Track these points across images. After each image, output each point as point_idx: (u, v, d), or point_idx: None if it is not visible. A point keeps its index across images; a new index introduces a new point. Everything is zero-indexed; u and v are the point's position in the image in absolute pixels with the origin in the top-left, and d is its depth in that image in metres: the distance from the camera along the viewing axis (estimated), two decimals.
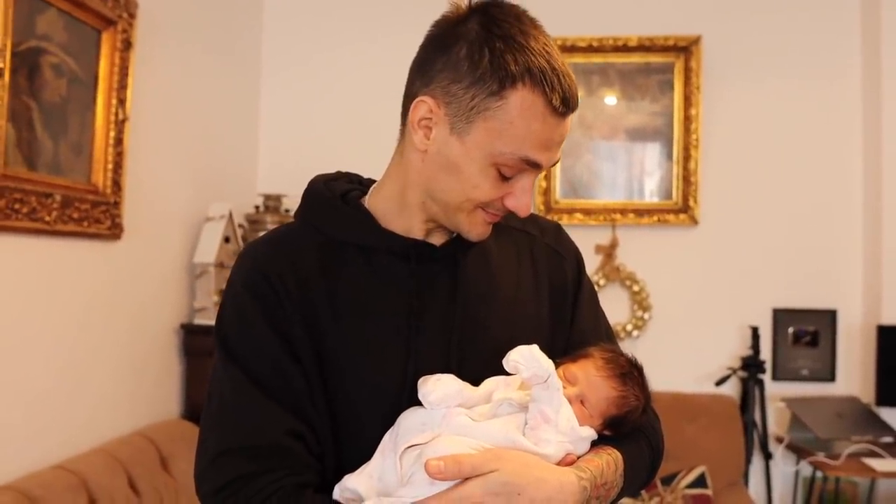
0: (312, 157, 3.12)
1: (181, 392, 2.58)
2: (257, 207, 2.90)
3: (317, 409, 0.89)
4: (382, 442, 0.87)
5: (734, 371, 2.87)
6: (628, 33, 3.02)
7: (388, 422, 0.88)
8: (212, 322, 2.57)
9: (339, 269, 0.93)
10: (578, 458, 0.88)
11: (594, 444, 0.91)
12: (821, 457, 2.60)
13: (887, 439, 2.71)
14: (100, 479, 1.88)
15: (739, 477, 2.79)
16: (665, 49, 3.02)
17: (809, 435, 2.72)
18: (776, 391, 2.94)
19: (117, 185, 2.15)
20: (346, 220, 0.95)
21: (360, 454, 0.87)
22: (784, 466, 2.92)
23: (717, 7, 3.04)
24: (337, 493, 0.86)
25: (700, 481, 2.69)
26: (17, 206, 1.78)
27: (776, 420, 2.95)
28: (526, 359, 0.84)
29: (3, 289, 1.79)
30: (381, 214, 0.95)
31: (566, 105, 0.87)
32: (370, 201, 0.97)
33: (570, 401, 0.89)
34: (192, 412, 2.55)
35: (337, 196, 0.97)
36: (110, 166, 2.12)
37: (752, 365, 2.84)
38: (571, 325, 1.03)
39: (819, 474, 2.73)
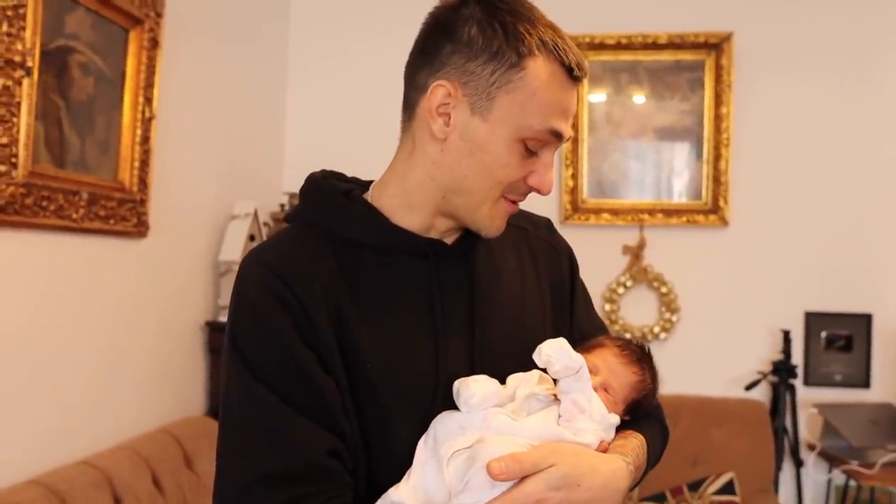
0: (339, 155, 3.10)
1: (206, 389, 2.59)
2: (282, 206, 2.90)
3: (349, 421, 0.84)
4: (418, 451, 0.84)
5: (764, 375, 2.81)
6: (658, 30, 2.97)
7: (422, 427, 0.85)
8: None
9: (358, 271, 0.89)
10: (609, 444, 0.89)
11: (617, 430, 0.93)
12: (854, 465, 2.53)
13: None
14: (124, 475, 1.89)
15: (769, 484, 2.72)
16: (695, 46, 2.96)
17: (842, 442, 2.65)
18: (808, 397, 2.87)
19: (143, 183, 2.16)
20: (357, 219, 0.91)
21: (393, 464, 0.84)
22: (816, 474, 2.85)
23: (748, 3, 2.97)
24: None
25: (728, 488, 2.63)
26: (44, 203, 1.80)
27: (808, 426, 2.88)
28: (557, 352, 0.84)
29: (31, 286, 1.81)
30: (389, 213, 0.92)
31: (581, 70, 0.88)
32: (375, 200, 0.93)
33: (595, 390, 0.90)
34: (216, 410, 2.55)
35: (342, 194, 0.93)
36: (137, 164, 2.13)
37: (783, 369, 2.78)
38: (571, 319, 1.04)
39: (853, 483, 2.66)
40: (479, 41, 0.85)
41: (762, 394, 2.88)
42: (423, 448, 0.84)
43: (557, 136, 0.87)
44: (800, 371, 2.85)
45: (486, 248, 0.97)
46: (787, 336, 2.80)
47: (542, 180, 0.89)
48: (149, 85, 2.16)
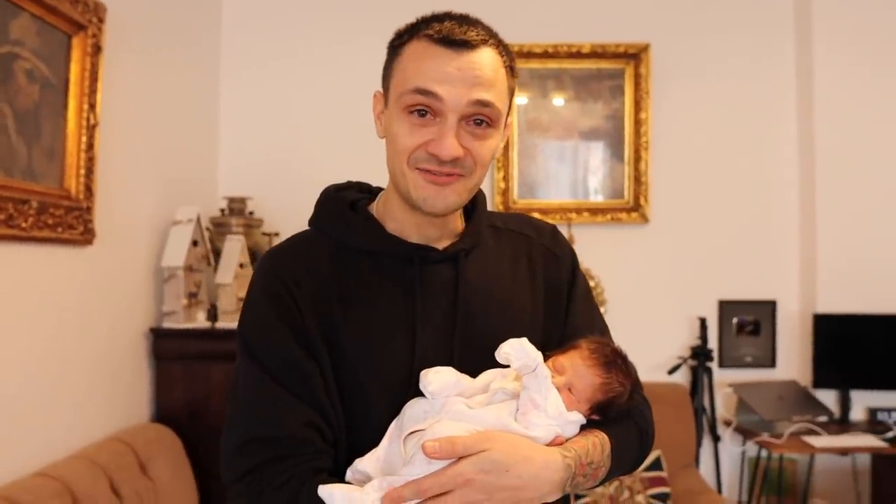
0: (274, 159, 3.14)
1: (151, 396, 2.57)
2: (223, 210, 2.90)
3: (331, 401, 0.96)
4: (389, 429, 0.95)
5: (684, 360, 3.04)
6: (581, 41, 3.16)
7: (395, 411, 0.96)
8: (180, 326, 2.59)
9: (350, 273, 1.01)
10: (567, 440, 0.96)
11: (584, 428, 0.99)
12: (765, 437, 2.79)
13: (823, 418, 2.93)
14: (83, 484, 1.87)
15: (692, 459, 2.95)
16: (616, 56, 3.17)
17: (754, 417, 2.92)
18: (723, 378, 3.13)
19: (89, 191, 2.14)
20: (355, 228, 1.03)
21: (369, 441, 0.95)
22: (732, 447, 3.12)
23: (664, 16, 3.21)
24: (349, 475, 0.94)
25: (656, 464, 2.84)
26: None
27: (724, 404, 3.14)
28: (516, 350, 0.92)
29: None
30: (385, 220, 1.04)
31: (448, 39, 0.94)
32: (376, 209, 1.06)
33: (558, 388, 0.97)
34: (162, 416, 2.55)
35: (346, 205, 1.05)
36: (82, 171, 2.11)
37: (700, 354, 3.02)
38: (565, 321, 1.10)
39: (764, 453, 2.92)
40: (389, 48, 1.01)
41: (683, 377, 3.12)
42: (393, 428, 0.95)
43: (426, 94, 0.94)
44: (715, 354, 3.11)
45: (482, 253, 1.07)
46: (703, 323, 3.05)
47: (439, 146, 0.95)
48: (92, 91, 2.14)
